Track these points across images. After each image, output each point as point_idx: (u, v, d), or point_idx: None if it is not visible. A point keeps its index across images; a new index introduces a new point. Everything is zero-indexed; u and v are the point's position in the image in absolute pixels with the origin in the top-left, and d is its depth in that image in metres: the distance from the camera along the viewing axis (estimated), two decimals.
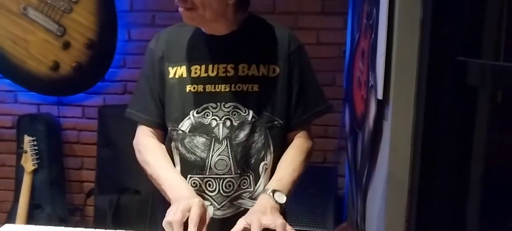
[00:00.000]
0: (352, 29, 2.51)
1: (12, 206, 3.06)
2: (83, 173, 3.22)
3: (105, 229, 1.42)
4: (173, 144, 1.45)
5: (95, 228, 1.42)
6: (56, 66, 2.98)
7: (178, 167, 1.44)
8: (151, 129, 1.48)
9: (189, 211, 1.21)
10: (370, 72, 1.70)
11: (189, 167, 1.42)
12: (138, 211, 2.79)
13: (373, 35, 1.66)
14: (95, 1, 2.90)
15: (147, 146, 1.46)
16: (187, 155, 1.42)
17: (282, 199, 1.32)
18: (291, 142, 1.48)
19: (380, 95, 1.48)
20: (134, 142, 1.50)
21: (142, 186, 2.80)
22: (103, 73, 3.02)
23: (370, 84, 1.69)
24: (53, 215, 3.05)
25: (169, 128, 1.45)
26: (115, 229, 1.46)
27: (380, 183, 1.52)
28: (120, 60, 3.03)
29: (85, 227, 1.41)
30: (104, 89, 3.09)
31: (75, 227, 1.39)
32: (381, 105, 1.50)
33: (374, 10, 1.65)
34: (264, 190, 1.36)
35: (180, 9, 1.33)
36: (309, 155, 1.49)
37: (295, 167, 1.42)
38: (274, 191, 1.33)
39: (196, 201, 1.24)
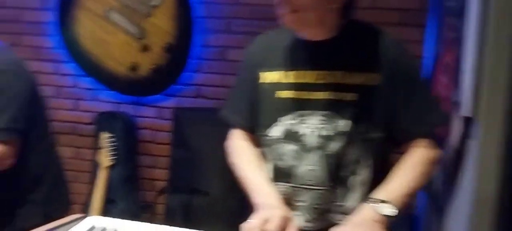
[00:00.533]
0: (434, 42, 2.44)
1: (87, 199, 3.20)
2: (156, 171, 3.33)
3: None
4: (262, 150, 1.43)
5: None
6: (134, 67, 3.10)
7: (266, 174, 1.42)
8: (243, 132, 1.48)
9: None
10: (454, 88, 1.64)
11: (277, 175, 1.38)
12: (208, 212, 2.85)
13: (459, 50, 1.60)
14: (174, 7, 2.99)
15: (237, 149, 1.47)
16: (275, 162, 1.39)
17: (391, 211, 1.21)
18: (408, 153, 1.36)
19: (467, 113, 1.42)
20: (227, 144, 1.51)
21: (212, 188, 2.86)
22: (179, 76, 3.11)
23: (454, 100, 1.63)
24: (126, 211, 3.16)
25: (259, 133, 1.43)
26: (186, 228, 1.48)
27: (463, 204, 1.46)
28: (195, 65, 3.11)
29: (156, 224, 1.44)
30: (178, 92, 3.17)
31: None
32: (468, 123, 1.44)
33: (460, 23, 1.59)
34: (368, 199, 1.26)
35: (282, 12, 1.29)
36: (431, 166, 1.35)
37: (411, 177, 1.29)
38: (380, 201, 1.22)
39: (278, 212, 1.21)
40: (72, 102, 3.36)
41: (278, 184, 1.39)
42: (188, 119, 3.03)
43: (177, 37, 3.02)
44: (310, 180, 1.33)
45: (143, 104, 3.26)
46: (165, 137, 3.23)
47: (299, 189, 1.36)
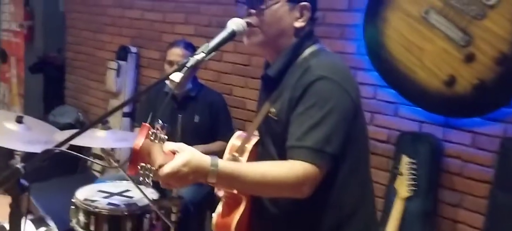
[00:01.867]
0: None
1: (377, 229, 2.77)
2: (460, 212, 2.68)
3: None
4: None
5: None
6: (451, 81, 2.52)
7: None
8: None
9: None
10: None
11: None
12: None
13: None
14: None
15: None
16: None
17: None
18: None
19: None
20: None
21: None
22: (511, 97, 2.40)
23: None
24: None
25: None
26: None
27: None
28: None
29: None
30: (508, 117, 2.46)
31: None
32: None
33: None
34: None
35: None
36: None
37: None
38: None
39: None
40: (367, 115, 2.97)
41: None
42: None
43: None
44: None
45: (455, 128, 2.66)
46: (479, 171, 2.56)
47: None
